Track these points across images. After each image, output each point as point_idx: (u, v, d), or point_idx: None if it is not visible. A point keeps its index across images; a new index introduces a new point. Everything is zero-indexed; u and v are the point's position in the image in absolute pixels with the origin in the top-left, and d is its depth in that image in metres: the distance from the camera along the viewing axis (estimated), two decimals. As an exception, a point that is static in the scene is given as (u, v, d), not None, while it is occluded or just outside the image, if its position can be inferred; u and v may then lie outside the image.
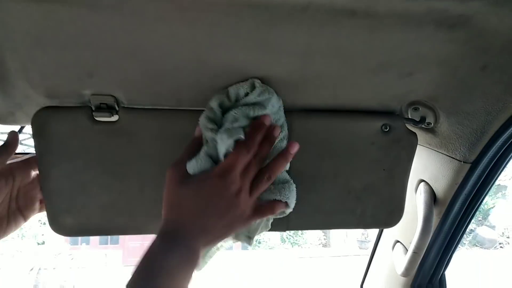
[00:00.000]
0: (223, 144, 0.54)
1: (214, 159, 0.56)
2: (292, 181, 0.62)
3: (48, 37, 0.47)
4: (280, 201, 0.59)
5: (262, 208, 0.59)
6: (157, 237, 0.51)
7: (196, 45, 0.49)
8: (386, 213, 0.72)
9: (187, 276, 0.50)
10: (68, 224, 0.64)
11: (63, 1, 0.42)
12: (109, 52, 0.50)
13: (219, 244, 0.62)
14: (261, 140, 0.56)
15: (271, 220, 0.65)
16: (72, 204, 0.63)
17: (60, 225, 0.64)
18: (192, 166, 0.56)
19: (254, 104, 0.56)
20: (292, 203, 0.61)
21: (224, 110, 0.58)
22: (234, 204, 0.54)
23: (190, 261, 0.51)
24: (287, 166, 0.62)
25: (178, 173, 0.56)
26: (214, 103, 0.57)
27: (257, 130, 0.55)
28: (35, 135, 0.59)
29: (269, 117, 0.57)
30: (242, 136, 0.54)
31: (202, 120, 0.57)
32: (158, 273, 0.47)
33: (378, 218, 0.72)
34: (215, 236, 0.55)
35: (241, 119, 0.56)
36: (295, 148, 0.58)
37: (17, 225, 0.62)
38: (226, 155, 0.54)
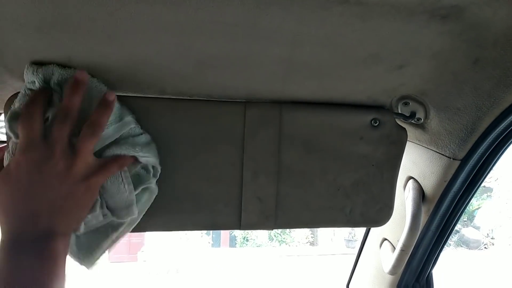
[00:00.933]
0: (8, 119, 0.51)
1: None
2: (150, 139, 0.58)
3: (24, 17, 0.44)
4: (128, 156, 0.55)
5: (106, 163, 0.53)
6: (1, 243, 0.46)
7: (180, 30, 0.47)
8: (375, 211, 0.70)
9: (51, 278, 0.46)
10: None
11: None
12: (88, 35, 0.48)
13: (110, 240, 0.58)
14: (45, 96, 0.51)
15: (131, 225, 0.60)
16: None
17: None
18: (5, 157, 0.52)
19: None
20: (151, 158, 0.57)
21: None
22: (48, 170, 0.48)
23: (45, 253, 0.46)
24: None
25: None
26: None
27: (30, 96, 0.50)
28: (7, 122, 0.55)
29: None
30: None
31: None
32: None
33: (367, 216, 0.70)
34: (59, 212, 0.49)
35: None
36: (112, 95, 0.52)
37: None
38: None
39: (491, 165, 0.68)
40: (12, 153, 0.51)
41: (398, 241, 0.79)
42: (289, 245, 10.79)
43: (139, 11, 0.44)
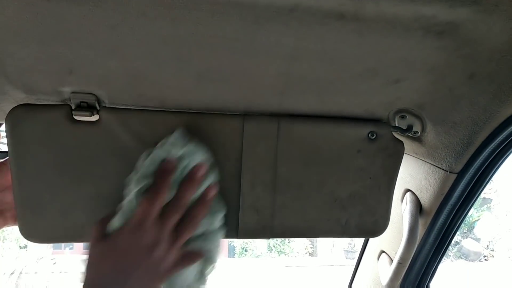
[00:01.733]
0: (134, 195, 0.53)
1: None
2: (218, 229, 0.60)
3: (27, 31, 0.45)
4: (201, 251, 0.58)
5: (186, 256, 0.56)
6: None
7: (180, 44, 0.48)
8: (372, 223, 0.71)
9: None
10: (41, 230, 0.60)
11: None
12: (90, 48, 0.48)
13: None
14: (170, 181, 0.54)
15: (206, 276, 0.61)
16: (46, 209, 0.59)
17: (31, 231, 0.60)
18: (113, 222, 0.54)
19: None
20: (214, 255, 0.59)
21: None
22: (151, 257, 0.51)
23: None
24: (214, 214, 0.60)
25: (98, 229, 0.54)
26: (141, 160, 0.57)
27: (163, 173, 0.53)
28: (8, 134, 0.56)
29: (174, 159, 0.55)
30: (149, 182, 0.54)
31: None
32: None
33: (364, 227, 0.71)
34: None
35: (149, 165, 0.55)
36: (212, 191, 0.57)
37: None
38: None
39: (488, 179, 0.69)
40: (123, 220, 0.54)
41: (395, 253, 0.79)
42: (288, 256, 10.72)
43: (140, 25, 0.45)
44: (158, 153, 0.55)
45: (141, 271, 0.51)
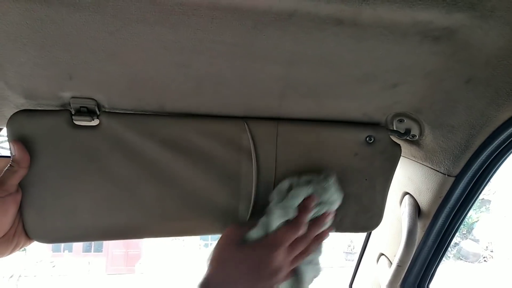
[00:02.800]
0: (277, 219, 0.60)
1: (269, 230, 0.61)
2: (318, 264, 0.65)
3: (27, 37, 0.45)
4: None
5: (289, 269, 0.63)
6: (201, 285, 0.56)
7: (179, 49, 0.48)
8: (366, 219, 0.72)
9: None
10: (47, 230, 0.61)
11: (42, 0, 0.41)
12: (90, 53, 0.49)
13: None
14: (307, 221, 0.61)
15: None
16: (50, 210, 0.60)
17: (37, 232, 0.61)
18: (252, 233, 0.61)
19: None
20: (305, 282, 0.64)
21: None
22: (274, 277, 0.58)
23: None
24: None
25: (237, 233, 0.61)
26: (286, 183, 0.64)
27: (306, 210, 0.60)
28: (10, 139, 0.56)
29: (314, 197, 0.61)
30: (291, 216, 0.60)
31: (274, 194, 0.64)
32: None
33: (358, 223, 0.72)
34: None
35: (296, 198, 0.61)
36: (326, 236, 0.65)
37: (24, 244, 0.61)
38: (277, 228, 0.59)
39: (485, 182, 0.69)
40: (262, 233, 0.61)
41: (395, 256, 0.79)
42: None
43: (140, 31, 0.46)
44: (307, 191, 0.61)
45: (263, 282, 0.57)
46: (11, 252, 0.59)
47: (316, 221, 0.62)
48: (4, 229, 0.56)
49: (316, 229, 0.62)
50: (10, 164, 0.56)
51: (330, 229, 0.64)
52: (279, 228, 0.59)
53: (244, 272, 0.57)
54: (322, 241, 0.64)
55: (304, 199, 0.61)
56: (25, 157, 0.56)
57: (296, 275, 0.63)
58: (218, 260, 0.60)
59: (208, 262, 0.60)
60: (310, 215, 0.61)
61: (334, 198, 0.63)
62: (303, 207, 0.60)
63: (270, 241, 0.59)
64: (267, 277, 0.57)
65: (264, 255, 0.58)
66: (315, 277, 0.65)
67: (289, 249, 0.59)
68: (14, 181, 0.56)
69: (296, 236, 0.59)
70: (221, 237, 0.62)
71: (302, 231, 0.60)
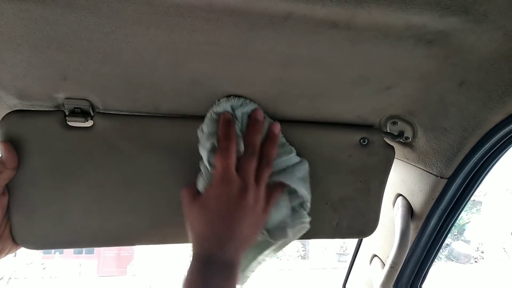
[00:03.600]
0: (204, 150, 0.56)
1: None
2: (297, 164, 0.63)
3: (21, 37, 0.45)
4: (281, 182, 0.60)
5: (272, 190, 0.59)
6: (192, 261, 0.52)
7: (175, 50, 0.48)
8: (362, 224, 0.72)
9: None
10: (35, 236, 0.60)
11: (36, 0, 0.41)
12: (84, 54, 0.48)
13: (260, 258, 0.63)
14: (234, 131, 0.57)
15: (300, 211, 0.64)
16: (40, 214, 0.59)
17: (25, 238, 0.60)
18: (198, 185, 0.58)
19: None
20: (299, 189, 0.60)
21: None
22: (244, 203, 0.54)
23: (230, 277, 0.52)
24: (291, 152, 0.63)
25: (188, 192, 0.58)
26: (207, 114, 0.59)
27: (224, 124, 0.56)
28: (2, 139, 0.56)
29: (226, 114, 0.57)
30: (215, 141, 0.56)
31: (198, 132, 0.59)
32: None
33: (354, 228, 0.72)
34: (242, 240, 0.55)
35: (210, 124, 0.58)
36: (277, 127, 0.60)
37: (10, 250, 0.59)
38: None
39: (477, 184, 0.70)
40: (206, 182, 0.58)
41: (387, 257, 0.80)
42: (280, 259, 10.72)
43: (135, 32, 0.45)
44: (214, 111, 0.58)
45: (241, 216, 0.54)
46: None
47: (247, 125, 0.58)
48: None
49: (253, 131, 0.57)
50: None
51: (274, 124, 0.60)
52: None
53: (215, 222, 0.53)
54: (274, 137, 0.59)
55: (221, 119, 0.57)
56: (13, 158, 0.55)
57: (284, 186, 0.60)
58: (188, 225, 0.57)
59: (188, 232, 0.57)
60: (234, 127, 0.57)
61: (239, 101, 0.58)
62: (219, 124, 0.57)
63: (216, 178, 0.55)
64: (239, 205, 0.53)
65: (219, 191, 0.54)
66: (300, 182, 0.61)
67: (242, 168, 0.55)
68: (0, 183, 0.54)
69: (232, 154, 0.55)
70: (182, 204, 0.58)
71: (233, 144, 0.55)
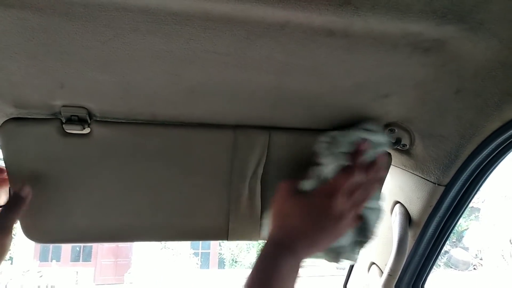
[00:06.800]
0: (328, 165, 0.60)
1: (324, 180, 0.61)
2: (377, 209, 0.66)
3: (18, 46, 0.45)
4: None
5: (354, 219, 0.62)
6: (268, 244, 0.55)
7: (172, 59, 0.48)
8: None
9: (294, 284, 0.53)
10: (42, 231, 0.64)
11: (34, 8, 0.41)
12: (81, 62, 0.48)
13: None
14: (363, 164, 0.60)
15: (357, 248, 0.67)
16: (46, 212, 0.62)
17: (32, 232, 0.64)
18: (306, 184, 0.61)
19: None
20: (369, 229, 0.65)
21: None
22: (340, 222, 0.58)
23: (296, 269, 0.54)
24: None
25: (288, 188, 0.61)
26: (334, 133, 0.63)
27: (360, 154, 0.60)
28: (2, 147, 0.57)
29: (367, 143, 0.61)
30: (343, 162, 0.59)
31: (320, 143, 0.62)
32: (272, 279, 0.51)
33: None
34: (316, 248, 0.57)
35: (345, 144, 0.60)
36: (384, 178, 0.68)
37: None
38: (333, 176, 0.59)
39: (475, 191, 0.70)
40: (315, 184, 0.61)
41: (385, 265, 0.80)
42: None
43: (132, 41, 0.45)
44: (356, 135, 0.61)
45: (333, 229, 0.57)
46: None
47: (371, 164, 0.61)
48: None
49: (372, 171, 0.61)
50: None
51: (384, 171, 0.64)
52: (334, 176, 0.59)
53: (307, 222, 0.57)
54: (380, 183, 0.65)
55: (355, 144, 0.60)
56: None
57: (361, 222, 0.64)
58: (279, 214, 0.60)
59: (271, 219, 0.61)
60: (363, 158, 0.60)
61: (382, 140, 0.62)
62: (354, 151, 0.60)
63: (327, 188, 0.59)
64: (331, 224, 0.57)
65: (323, 202, 0.58)
66: (378, 221, 0.66)
67: (348, 195, 0.59)
68: None
69: (352, 181, 0.58)
70: (276, 195, 0.62)
71: (358, 175, 0.59)
